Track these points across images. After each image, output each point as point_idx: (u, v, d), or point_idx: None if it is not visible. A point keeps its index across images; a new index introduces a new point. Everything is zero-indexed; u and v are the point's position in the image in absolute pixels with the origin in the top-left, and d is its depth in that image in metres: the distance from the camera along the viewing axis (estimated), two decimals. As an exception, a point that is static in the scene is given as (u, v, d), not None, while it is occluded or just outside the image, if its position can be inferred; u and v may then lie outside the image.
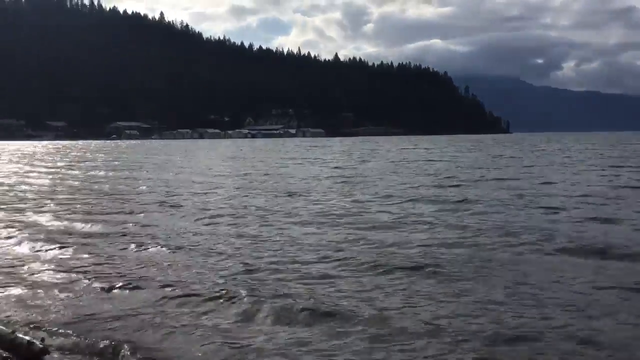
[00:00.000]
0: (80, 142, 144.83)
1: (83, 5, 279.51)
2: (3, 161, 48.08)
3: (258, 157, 52.01)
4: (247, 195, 18.55)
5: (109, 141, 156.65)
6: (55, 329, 6.48)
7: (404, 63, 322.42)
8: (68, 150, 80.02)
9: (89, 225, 13.12)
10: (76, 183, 25.35)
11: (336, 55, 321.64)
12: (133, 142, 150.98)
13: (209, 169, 34.30)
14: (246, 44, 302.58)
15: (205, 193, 19.47)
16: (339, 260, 8.92)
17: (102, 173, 32.30)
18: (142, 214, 14.75)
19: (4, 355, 5.69)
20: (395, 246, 9.86)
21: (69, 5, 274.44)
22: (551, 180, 22.09)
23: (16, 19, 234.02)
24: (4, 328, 6.14)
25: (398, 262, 8.58)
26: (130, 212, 15.15)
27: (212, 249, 10.07)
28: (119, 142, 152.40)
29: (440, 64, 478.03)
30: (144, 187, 22.53)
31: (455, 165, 33.92)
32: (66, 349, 6.04)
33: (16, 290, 8.07)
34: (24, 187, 23.42)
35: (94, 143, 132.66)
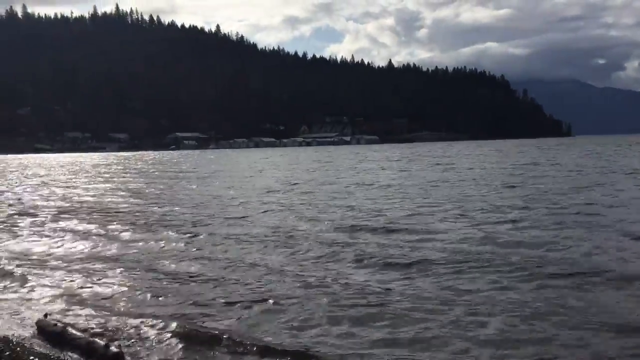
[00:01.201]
0: (142, 152, 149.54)
1: (143, 20, 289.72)
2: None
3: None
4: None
5: (168, 151, 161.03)
6: (130, 334, 6.98)
7: (460, 67, 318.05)
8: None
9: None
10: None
11: (390, 61, 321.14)
12: (191, 152, 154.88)
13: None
14: (300, 53, 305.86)
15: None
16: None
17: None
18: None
19: (82, 359, 6.11)
20: None
21: (130, 22, 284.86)
22: None
23: (81, 36, 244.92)
24: (80, 334, 6.61)
25: None
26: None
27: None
28: (179, 152, 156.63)
29: (497, 68, 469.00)
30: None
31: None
32: (141, 354, 6.44)
33: (93, 295, 8.68)
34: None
35: (155, 154, 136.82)
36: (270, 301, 8.00)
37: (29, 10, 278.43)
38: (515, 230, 12.94)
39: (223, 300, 8.17)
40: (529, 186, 23.62)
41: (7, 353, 6.04)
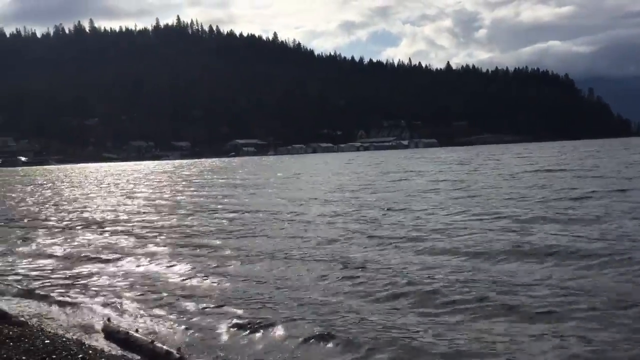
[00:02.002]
0: (203, 160, 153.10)
1: (203, 31, 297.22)
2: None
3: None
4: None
5: (228, 158, 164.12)
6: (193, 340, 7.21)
7: (521, 67, 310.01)
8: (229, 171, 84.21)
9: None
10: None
11: (448, 63, 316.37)
12: (250, 158, 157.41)
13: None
14: (356, 58, 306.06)
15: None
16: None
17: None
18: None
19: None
20: None
21: (190, 32, 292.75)
22: None
23: (144, 48, 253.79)
24: (144, 338, 6.87)
25: None
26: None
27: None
28: (238, 158, 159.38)
29: (560, 67, 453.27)
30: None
31: None
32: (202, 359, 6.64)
33: (157, 301, 8.98)
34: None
35: (216, 160, 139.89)
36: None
37: (96, 25, 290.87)
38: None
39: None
40: None
41: (80, 355, 6.35)
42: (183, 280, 10.42)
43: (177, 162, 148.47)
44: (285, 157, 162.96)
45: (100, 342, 7.22)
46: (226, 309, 8.32)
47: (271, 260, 11.66)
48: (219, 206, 24.01)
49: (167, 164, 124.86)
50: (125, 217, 21.48)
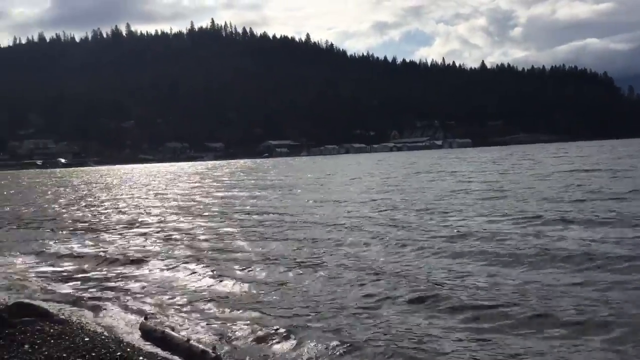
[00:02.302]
0: (236, 161, 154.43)
1: (237, 33, 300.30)
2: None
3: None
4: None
5: (261, 159, 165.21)
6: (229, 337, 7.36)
7: (557, 66, 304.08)
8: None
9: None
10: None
11: (482, 62, 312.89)
12: (282, 159, 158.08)
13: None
14: (389, 58, 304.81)
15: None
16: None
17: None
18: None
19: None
20: None
21: (224, 35, 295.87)
22: None
23: (179, 51, 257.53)
24: (179, 336, 7.05)
25: None
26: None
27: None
28: (270, 159, 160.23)
29: (598, 64, 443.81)
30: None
31: None
32: (236, 358, 6.78)
33: (188, 303, 9.19)
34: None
35: (248, 161, 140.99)
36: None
37: (132, 29, 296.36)
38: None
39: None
40: None
41: (119, 353, 6.56)
42: (211, 283, 10.59)
43: (210, 163, 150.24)
44: (317, 157, 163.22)
45: (137, 340, 7.43)
46: (253, 313, 8.43)
47: (299, 264, 11.75)
48: (247, 207, 24.25)
49: (200, 165, 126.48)
50: (156, 218, 21.87)
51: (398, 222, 16.65)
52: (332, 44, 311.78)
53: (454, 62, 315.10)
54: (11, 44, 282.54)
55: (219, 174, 71.39)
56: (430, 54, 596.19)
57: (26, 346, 6.83)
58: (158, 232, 17.78)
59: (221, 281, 10.58)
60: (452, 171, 46.47)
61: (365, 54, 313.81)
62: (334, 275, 10.36)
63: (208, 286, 10.30)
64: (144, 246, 15.22)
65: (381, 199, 24.86)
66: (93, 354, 6.51)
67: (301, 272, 10.88)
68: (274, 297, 9.19)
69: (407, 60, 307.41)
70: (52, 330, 7.42)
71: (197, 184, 47.60)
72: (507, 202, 20.44)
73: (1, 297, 9.94)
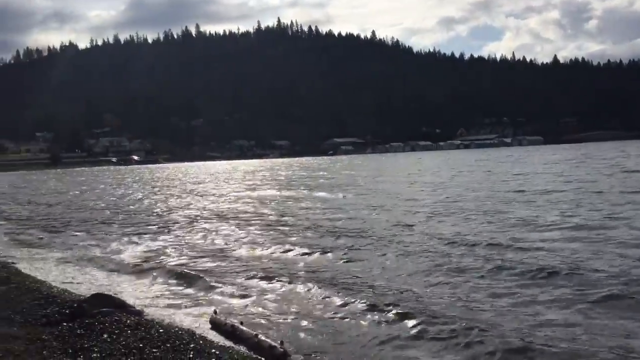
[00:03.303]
0: (301, 158, 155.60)
1: (302, 31, 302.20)
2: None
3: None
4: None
5: (327, 157, 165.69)
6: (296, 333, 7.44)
7: (636, 59, 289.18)
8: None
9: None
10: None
11: (555, 57, 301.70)
12: (348, 157, 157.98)
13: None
14: (456, 54, 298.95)
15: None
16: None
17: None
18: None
19: (253, 355, 6.64)
20: None
21: (290, 34, 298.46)
22: None
23: (246, 51, 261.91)
24: (249, 331, 7.16)
25: None
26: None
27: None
28: (335, 157, 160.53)
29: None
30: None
31: None
32: (304, 354, 6.83)
33: (261, 295, 9.35)
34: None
35: (311, 159, 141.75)
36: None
37: (202, 29, 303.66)
38: None
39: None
40: None
41: (192, 345, 6.73)
42: (282, 261, 10.70)
43: (276, 160, 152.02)
44: (382, 155, 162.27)
45: (208, 333, 7.61)
46: (322, 310, 8.46)
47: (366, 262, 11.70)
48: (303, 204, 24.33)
49: (265, 162, 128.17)
50: (243, 210, 22.31)
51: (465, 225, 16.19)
52: (397, 41, 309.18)
53: (524, 57, 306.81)
54: (88, 46, 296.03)
55: (283, 172, 71.94)
56: (500, 49, 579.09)
57: (105, 335, 7.12)
58: (226, 223, 18.15)
59: (288, 276, 10.67)
60: (522, 172, 44.68)
61: (431, 50, 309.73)
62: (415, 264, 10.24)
63: (282, 273, 10.41)
64: (215, 238, 15.55)
65: (449, 198, 24.34)
66: (168, 345, 6.71)
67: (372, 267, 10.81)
68: (345, 294, 9.18)
69: (475, 55, 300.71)
70: (128, 321, 7.70)
71: (259, 181, 48.27)
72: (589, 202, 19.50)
73: (81, 288, 10.40)
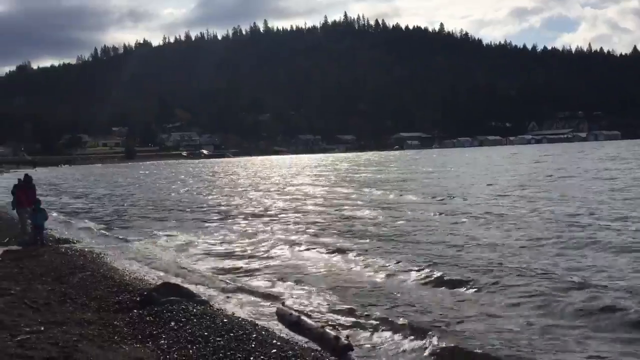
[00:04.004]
0: (365, 153, 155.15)
1: (369, 25, 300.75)
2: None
3: None
4: None
5: (392, 152, 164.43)
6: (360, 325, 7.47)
7: None
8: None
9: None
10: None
11: (635, 48, 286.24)
12: (415, 151, 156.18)
13: None
14: (529, 46, 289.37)
15: None
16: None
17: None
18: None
19: (315, 347, 6.74)
20: None
21: (357, 28, 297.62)
22: None
23: (313, 45, 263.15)
24: (313, 323, 7.25)
25: None
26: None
27: None
28: (400, 152, 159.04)
29: None
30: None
31: None
32: (368, 347, 6.87)
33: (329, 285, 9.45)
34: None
35: (376, 154, 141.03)
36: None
37: (269, 25, 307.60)
38: None
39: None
40: None
41: (254, 335, 6.87)
42: (346, 269, 10.75)
43: (340, 155, 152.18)
44: (450, 150, 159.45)
45: (272, 323, 7.74)
46: (387, 306, 8.44)
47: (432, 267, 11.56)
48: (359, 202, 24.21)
49: (330, 157, 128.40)
50: (286, 208, 22.57)
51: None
52: (466, 33, 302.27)
53: (601, 48, 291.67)
54: (161, 43, 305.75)
55: (345, 165, 71.85)
56: (575, 40, 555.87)
57: (172, 323, 7.38)
58: (287, 221, 18.37)
59: (356, 269, 10.70)
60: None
61: (502, 42, 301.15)
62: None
63: (344, 273, 10.47)
64: (274, 234, 15.78)
65: (525, 200, 23.65)
66: (231, 334, 6.89)
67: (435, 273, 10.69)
68: (410, 294, 9.13)
69: (549, 47, 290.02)
70: (195, 310, 7.94)
71: (322, 176, 48.47)
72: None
73: (151, 277, 10.81)
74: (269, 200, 26.53)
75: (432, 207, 20.28)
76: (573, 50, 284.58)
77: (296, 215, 20.01)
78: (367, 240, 13.88)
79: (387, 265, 10.98)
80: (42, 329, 6.84)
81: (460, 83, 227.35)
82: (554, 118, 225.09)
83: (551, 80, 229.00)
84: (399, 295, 8.94)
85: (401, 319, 7.58)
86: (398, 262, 11.10)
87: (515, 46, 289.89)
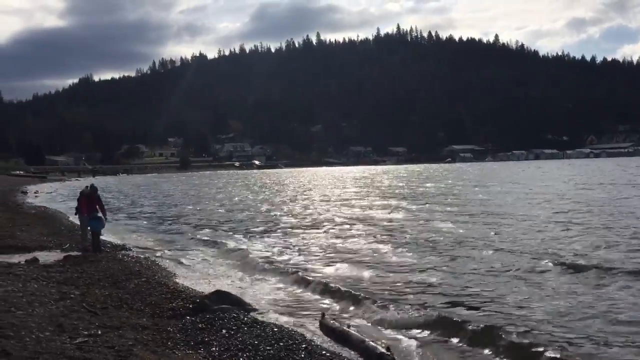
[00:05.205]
0: (421, 165, 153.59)
1: (422, 37, 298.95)
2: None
3: None
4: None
5: (444, 164, 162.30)
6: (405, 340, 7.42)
7: None
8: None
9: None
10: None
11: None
12: (466, 164, 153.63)
13: None
14: (587, 57, 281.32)
15: None
16: None
17: None
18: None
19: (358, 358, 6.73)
20: None
21: (409, 40, 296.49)
22: None
23: (365, 57, 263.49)
24: (358, 335, 7.27)
25: None
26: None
27: None
28: (452, 165, 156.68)
29: None
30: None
31: None
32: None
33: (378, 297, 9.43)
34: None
35: (433, 166, 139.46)
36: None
37: (322, 37, 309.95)
38: None
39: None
40: None
41: (304, 345, 6.92)
42: (392, 281, 10.68)
43: (391, 167, 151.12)
44: (504, 163, 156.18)
45: (318, 334, 7.78)
46: (432, 318, 8.35)
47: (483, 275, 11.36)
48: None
49: (380, 169, 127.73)
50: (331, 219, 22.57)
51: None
52: (522, 44, 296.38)
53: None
54: (216, 56, 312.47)
55: (385, 180, 71.28)
56: (636, 51, 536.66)
57: (224, 331, 7.52)
58: (336, 232, 18.38)
59: (401, 282, 10.62)
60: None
61: (559, 53, 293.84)
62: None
63: (389, 285, 10.41)
64: (327, 244, 15.82)
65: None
66: (281, 344, 6.97)
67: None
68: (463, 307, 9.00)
69: (608, 58, 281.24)
70: (245, 319, 8.08)
71: (370, 188, 48.24)
72: None
73: (203, 285, 11.04)
74: (327, 212, 26.57)
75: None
76: (634, 61, 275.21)
77: (352, 225, 19.99)
78: (433, 257, 13.66)
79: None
80: (100, 332, 7.08)
81: (515, 95, 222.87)
82: (614, 131, 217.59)
83: (611, 93, 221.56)
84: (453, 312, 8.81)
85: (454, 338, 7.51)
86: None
87: (574, 57, 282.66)
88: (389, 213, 24.72)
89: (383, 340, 7.31)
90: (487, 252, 13.32)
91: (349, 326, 7.75)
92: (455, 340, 7.46)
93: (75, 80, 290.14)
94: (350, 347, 7.10)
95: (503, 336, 7.27)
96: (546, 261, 11.82)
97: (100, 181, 67.98)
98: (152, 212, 30.82)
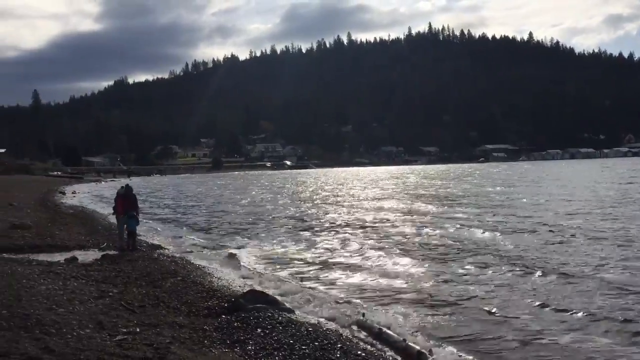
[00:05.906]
0: (449, 165, 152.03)
1: (454, 36, 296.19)
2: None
3: None
4: None
5: (477, 164, 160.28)
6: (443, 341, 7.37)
7: None
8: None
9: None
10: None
11: None
12: (500, 164, 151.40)
13: None
14: (625, 54, 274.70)
15: None
16: None
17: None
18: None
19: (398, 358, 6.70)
20: None
21: (441, 38, 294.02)
22: None
23: (397, 56, 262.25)
24: (396, 336, 7.23)
25: None
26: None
27: None
28: (486, 164, 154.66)
29: None
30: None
31: None
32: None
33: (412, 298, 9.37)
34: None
35: (465, 166, 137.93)
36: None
37: (353, 37, 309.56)
38: None
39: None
40: None
41: (339, 345, 6.92)
42: (429, 285, 10.61)
43: (422, 167, 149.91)
44: (539, 163, 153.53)
45: (355, 334, 7.76)
46: (477, 322, 8.25)
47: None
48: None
49: (413, 169, 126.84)
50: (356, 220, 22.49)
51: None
52: (557, 42, 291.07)
53: None
54: (248, 57, 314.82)
55: (413, 179, 70.64)
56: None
57: (259, 330, 7.57)
58: (365, 235, 18.32)
59: (439, 283, 10.54)
60: None
61: (595, 50, 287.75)
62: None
63: (427, 288, 10.34)
64: (352, 247, 15.78)
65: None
66: (316, 343, 6.98)
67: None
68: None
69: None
70: (280, 318, 8.11)
71: (400, 189, 47.93)
72: None
73: (238, 284, 11.12)
74: (359, 213, 26.54)
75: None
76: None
77: (383, 228, 19.92)
78: (462, 261, 13.53)
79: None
80: (138, 330, 7.20)
81: (549, 93, 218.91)
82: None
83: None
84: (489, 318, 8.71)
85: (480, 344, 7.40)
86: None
87: (610, 55, 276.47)
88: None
89: (423, 344, 7.24)
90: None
91: (389, 327, 7.72)
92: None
93: (111, 83, 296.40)
94: (388, 347, 7.06)
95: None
96: None
97: (133, 182, 69.11)
98: (188, 211, 31.15)
